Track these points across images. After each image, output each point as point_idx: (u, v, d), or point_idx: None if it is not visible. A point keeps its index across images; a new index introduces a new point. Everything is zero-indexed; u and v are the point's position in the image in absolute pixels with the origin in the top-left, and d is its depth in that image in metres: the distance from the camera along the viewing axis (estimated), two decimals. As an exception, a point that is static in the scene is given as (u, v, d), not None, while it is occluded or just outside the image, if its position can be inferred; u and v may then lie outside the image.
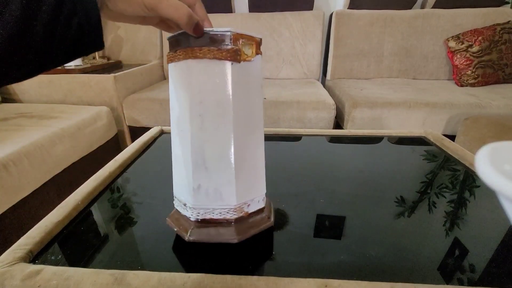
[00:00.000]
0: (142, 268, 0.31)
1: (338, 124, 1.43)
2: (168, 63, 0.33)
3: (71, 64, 1.46)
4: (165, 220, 0.37)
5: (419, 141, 0.67)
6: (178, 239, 0.36)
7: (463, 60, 1.56)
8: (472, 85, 1.54)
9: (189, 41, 0.30)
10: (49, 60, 0.20)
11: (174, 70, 0.32)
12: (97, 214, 0.42)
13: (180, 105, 0.32)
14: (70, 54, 0.21)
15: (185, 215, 0.35)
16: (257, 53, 0.32)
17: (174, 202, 0.37)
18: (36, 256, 0.33)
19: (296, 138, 0.69)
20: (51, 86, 1.38)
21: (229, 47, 0.30)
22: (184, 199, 0.35)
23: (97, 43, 0.22)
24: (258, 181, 0.36)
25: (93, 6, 0.21)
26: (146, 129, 0.73)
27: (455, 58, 1.59)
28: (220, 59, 0.30)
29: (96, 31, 0.21)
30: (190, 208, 0.34)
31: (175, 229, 0.35)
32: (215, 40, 0.30)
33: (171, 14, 0.25)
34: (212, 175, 0.32)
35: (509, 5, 1.67)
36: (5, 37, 0.17)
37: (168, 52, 0.33)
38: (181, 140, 0.33)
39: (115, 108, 1.38)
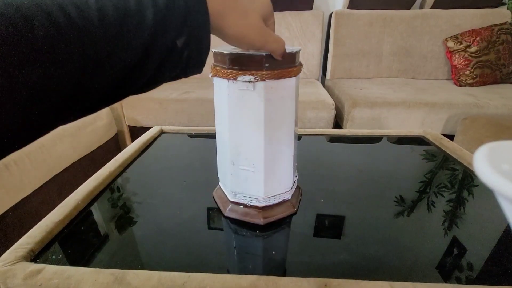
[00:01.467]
0: (142, 268, 0.31)
1: (337, 124, 1.44)
2: (231, 78, 0.32)
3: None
4: (165, 218, 0.38)
5: (418, 140, 0.67)
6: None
7: (461, 60, 1.56)
8: (471, 85, 1.55)
9: (273, 62, 0.31)
10: (154, 82, 0.21)
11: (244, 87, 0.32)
12: (97, 213, 0.42)
13: (249, 116, 0.34)
14: (173, 78, 0.22)
15: (226, 196, 0.42)
16: None
17: (220, 183, 0.45)
18: (37, 255, 0.33)
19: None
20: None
21: (297, 63, 0.34)
22: (226, 184, 0.41)
23: (198, 71, 0.23)
24: (285, 178, 0.39)
25: (206, 41, 0.20)
26: (146, 129, 0.73)
27: (454, 58, 1.59)
28: (296, 75, 0.34)
29: (201, 62, 0.22)
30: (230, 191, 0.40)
31: (218, 204, 0.42)
32: (291, 59, 0.32)
33: (274, 49, 0.27)
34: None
35: (506, 6, 1.68)
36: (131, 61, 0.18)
37: (229, 69, 0.31)
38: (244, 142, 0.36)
39: (115, 108, 1.38)
